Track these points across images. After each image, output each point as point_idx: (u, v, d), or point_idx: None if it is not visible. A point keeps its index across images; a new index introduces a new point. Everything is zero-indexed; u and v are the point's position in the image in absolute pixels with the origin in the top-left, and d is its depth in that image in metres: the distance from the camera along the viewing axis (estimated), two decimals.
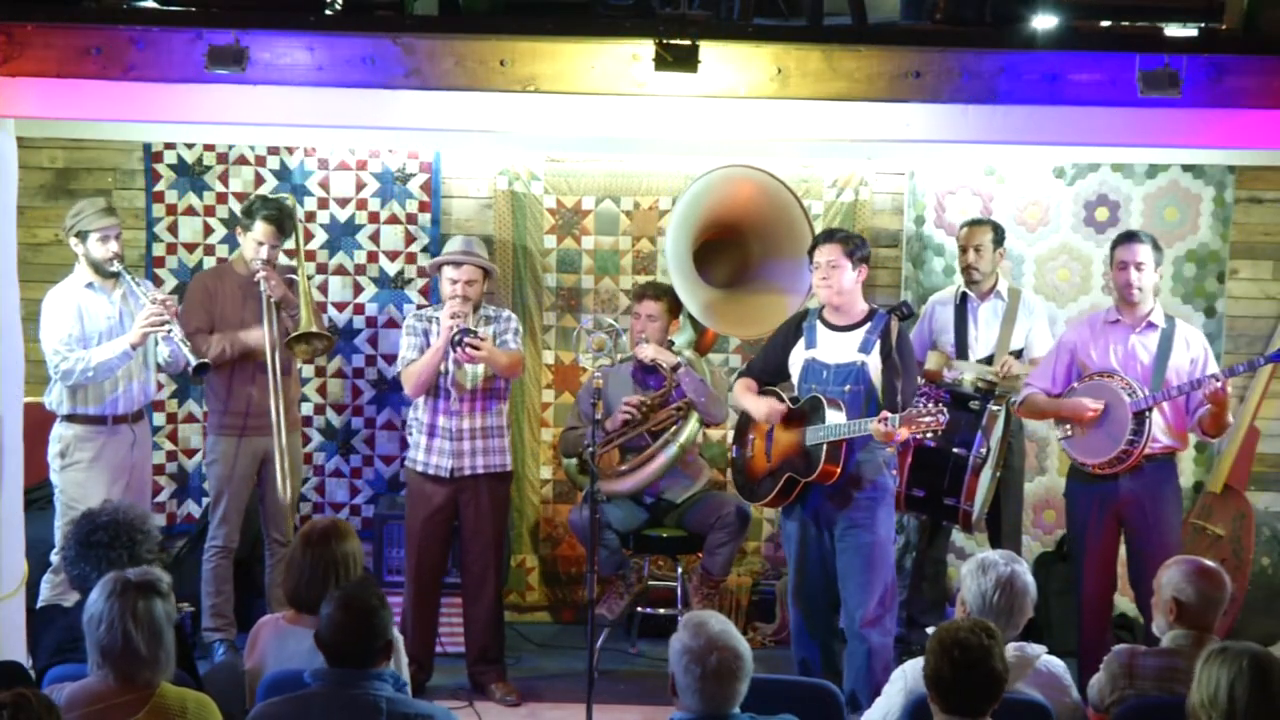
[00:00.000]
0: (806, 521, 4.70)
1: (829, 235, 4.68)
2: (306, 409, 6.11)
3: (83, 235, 5.02)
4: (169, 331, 4.97)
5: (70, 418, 5.03)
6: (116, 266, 5.05)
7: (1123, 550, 5.07)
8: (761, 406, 4.75)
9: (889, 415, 4.34)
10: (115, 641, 2.94)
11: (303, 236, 5.80)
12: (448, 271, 5.09)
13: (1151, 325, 4.90)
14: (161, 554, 3.70)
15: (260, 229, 5.22)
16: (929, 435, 4.32)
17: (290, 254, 5.56)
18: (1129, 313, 4.91)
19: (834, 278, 4.60)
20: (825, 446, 4.47)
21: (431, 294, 6.02)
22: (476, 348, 4.91)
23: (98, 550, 3.53)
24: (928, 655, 2.99)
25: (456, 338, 4.92)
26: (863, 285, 4.71)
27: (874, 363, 4.56)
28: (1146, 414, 4.75)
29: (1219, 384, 4.62)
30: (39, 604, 4.89)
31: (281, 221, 5.26)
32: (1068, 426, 4.93)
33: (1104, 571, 5.01)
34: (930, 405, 4.27)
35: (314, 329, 5.22)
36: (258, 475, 5.38)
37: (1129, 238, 4.90)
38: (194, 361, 4.94)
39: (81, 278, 5.10)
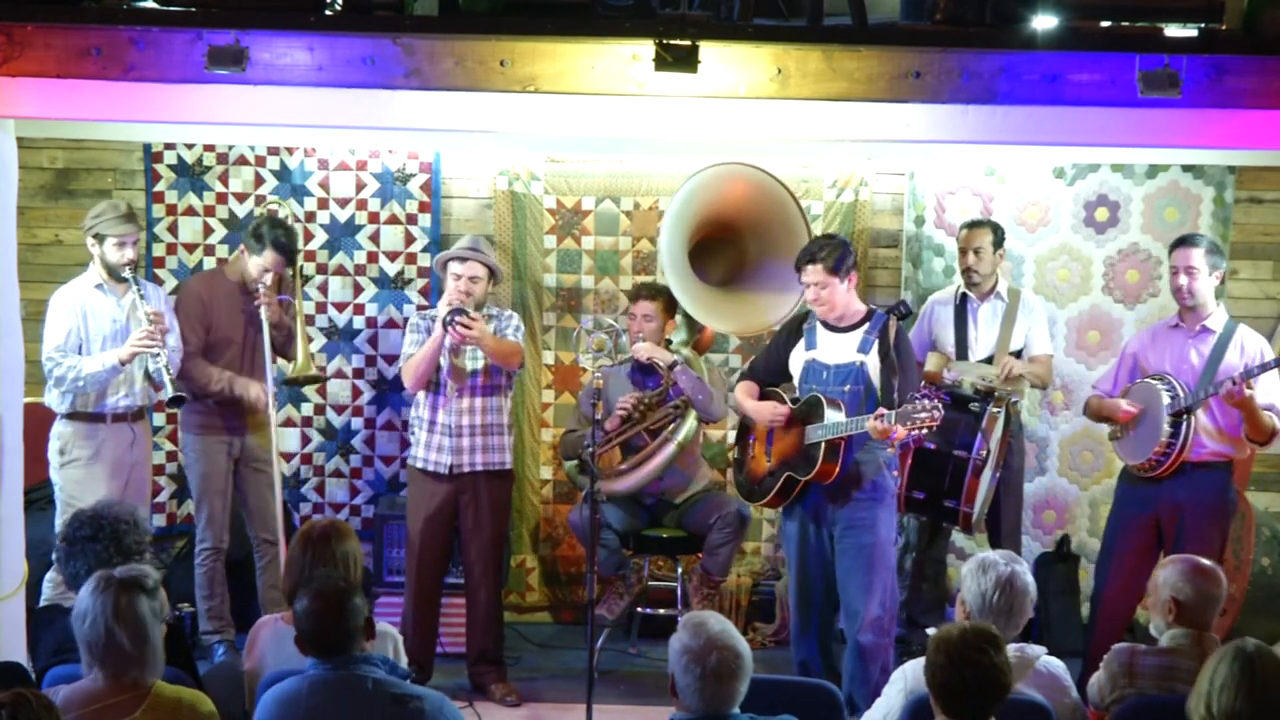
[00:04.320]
0: (806, 521, 4.69)
1: (810, 256, 4.60)
2: (306, 409, 6.12)
3: (100, 238, 5.04)
4: (156, 357, 4.98)
5: (70, 416, 5.03)
6: (128, 274, 5.05)
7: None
8: (763, 411, 4.75)
9: (885, 412, 4.34)
10: (99, 637, 2.95)
11: (301, 235, 5.83)
12: (453, 267, 5.08)
13: (1206, 330, 4.86)
14: (151, 544, 3.70)
15: (269, 256, 5.21)
16: (925, 430, 4.31)
17: (288, 285, 5.52)
18: (1187, 317, 4.91)
19: (824, 298, 4.60)
20: (824, 445, 4.48)
21: (431, 294, 6.03)
22: (468, 326, 4.89)
23: (83, 545, 3.54)
24: (928, 659, 2.99)
25: (447, 318, 4.92)
26: (863, 286, 4.72)
27: (873, 362, 4.56)
28: (1185, 416, 4.73)
29: (1235, 385, 4.60)
30: (41, 604, 4.88)
31: (291, 251, 5.27)
32: (1116, 427, 4.96)
33: (1129, 575, 4.91)
34: (926, 402, 4.26)
35: (311, 372, 5.31)
36: (234, 475, 5.39)
37: (1182, 242, 4.89)
38: (170, 394, 4.94)
39: (92, 278, 5.11)
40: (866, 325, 4.62)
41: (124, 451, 5.11)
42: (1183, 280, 4.83)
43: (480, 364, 5.12)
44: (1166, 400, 4.75)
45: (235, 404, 5.25)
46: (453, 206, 6.15)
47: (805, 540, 4.71)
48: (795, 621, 4.82)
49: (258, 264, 5.24)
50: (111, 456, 5.07)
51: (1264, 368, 4.77)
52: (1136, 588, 4.89)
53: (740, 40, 4.28)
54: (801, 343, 4.72)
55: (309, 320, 6.00)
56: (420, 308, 5.95)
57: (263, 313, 5.20)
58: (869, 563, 4.56)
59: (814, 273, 4.58)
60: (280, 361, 5.46)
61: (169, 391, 4.93)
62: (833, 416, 4.48)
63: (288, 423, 6.11)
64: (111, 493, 4.88)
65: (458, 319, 4.90)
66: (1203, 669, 2.93)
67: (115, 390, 5.06)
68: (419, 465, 5.17)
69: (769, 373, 4.84)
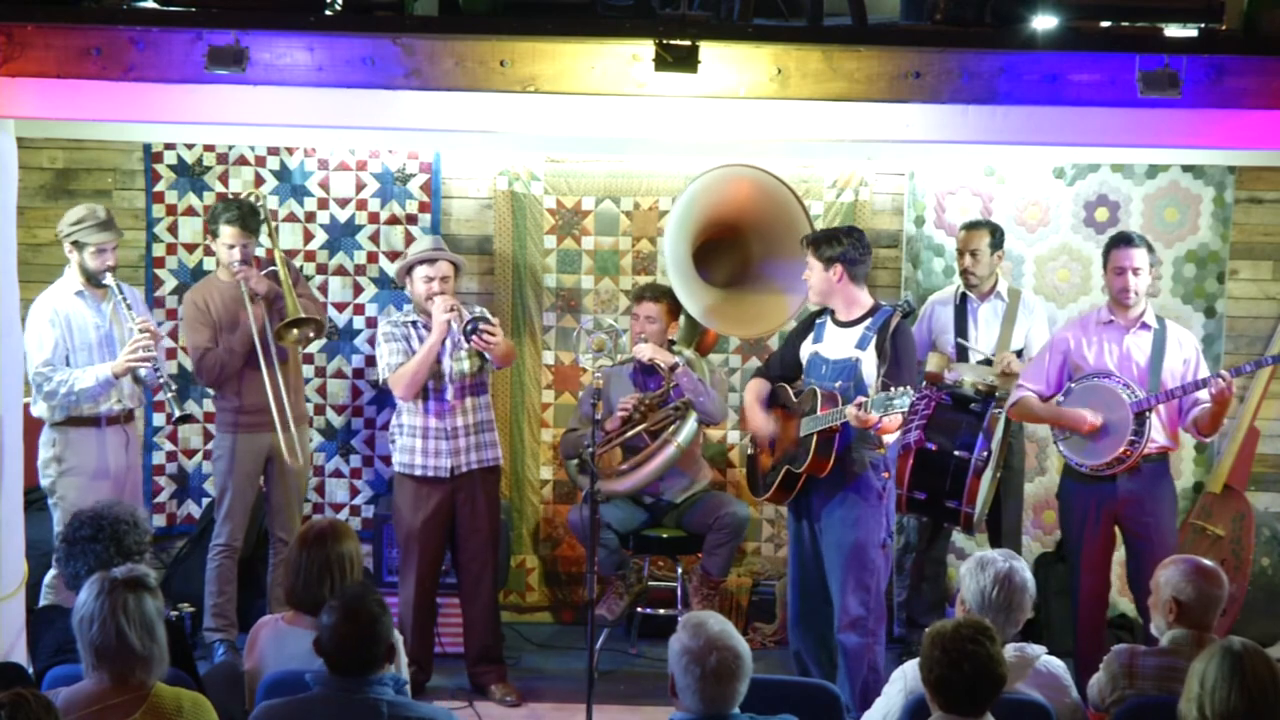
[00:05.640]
0: (803, 519, 4.72)
1: (805, 237, 4.77)
2: (306, 409, 6.10)
3: (80, 245, 4.99)
4: (156, 370, 4.98)
5: (65, 423, 4.98)
6: (109, 280, 5.02)
7: (1119, 551, 5.08)
8: (756, 421, 4.78)
9: (864, 399, 4.34)
10: (109, 639, 2.94)
11: (301, 234, 5.82)
12: (422, 270, 5.09)
13: (1145, 326, 4.92)
14: (151, 545, 3.71)
15: (226, 232, 5.21)
16: (898, 414, 4.29)
17: (269, 253, 5.51)
18: (1122, 314, 4.93)
19: (808, 278, 4.70)
20: (815, 438, 4.48)
21: None
22: (493, 333, 4.94)
23: (83, 545, 3.54)
24: (923, 654, 3.00)
25: (469, 327, 4.94)
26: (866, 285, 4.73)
27: (868, 358, 4.56)
28: (1147, 414, 4.76)
29: (1226, 383, 4.63)
30: (40, 605, 4.88)
31: (244, 220, 5.23)
32: (1063, 429, 4.95)
33: (1100, 572, 5.02)
34: (898, 389, 4.26)
35: (301, 315, 5.19)
36: (263, 473, 5.38)
37: (1124, 241, 4.90)
38: (177, 413, 4.97)
39: (71, 284, 5.06)
40: (868, 321, 4.63)
41: (119, 454, 5.10)
42: (1130, 280, 4.86)
43: (466, 364, 5.13)
44: (1128, 400, 4.76)
45: (260, 400, 5.20)
46: (453, 206, 6.15)
47: (800, 535, 4.74)
48: (789, 613, 4.86)
49: (223, 245, 5.24)
50: (110, 461, 5.05)
51: (1257, 364, 4.96)
52: (1106, 581, 5.07)
53: (740, 40, 4.28)
54: (811, 336, 4.74)
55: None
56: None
57: (243, 287, 5.17)
58: (847, 561, 4.57)
59: (807, 255, 4.69)
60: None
61: (175, 411, 4.97)
62: (825, 410, 4.50)
63: None
64: (108, 495, 4.86)
65: (481, 326, 4.93)
66: (1190, 672, 2.93)
67: (108, 397, 5.04)
68: (415, 472, 5.14)
69: (783, 367, 4.85)
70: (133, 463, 5.20)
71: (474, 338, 4.94)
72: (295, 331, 5.23)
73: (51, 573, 4.96)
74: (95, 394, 4.97)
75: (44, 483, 5.05)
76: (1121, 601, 5.69)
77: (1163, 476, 4.95)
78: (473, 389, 5.17)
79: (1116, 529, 4.99)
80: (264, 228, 5.40)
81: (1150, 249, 4.92)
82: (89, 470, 5.01)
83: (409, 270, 5.15)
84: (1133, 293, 4.86)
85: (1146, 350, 4.88)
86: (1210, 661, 2.89)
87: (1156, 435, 4.83)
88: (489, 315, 5.11)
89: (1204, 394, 4.76)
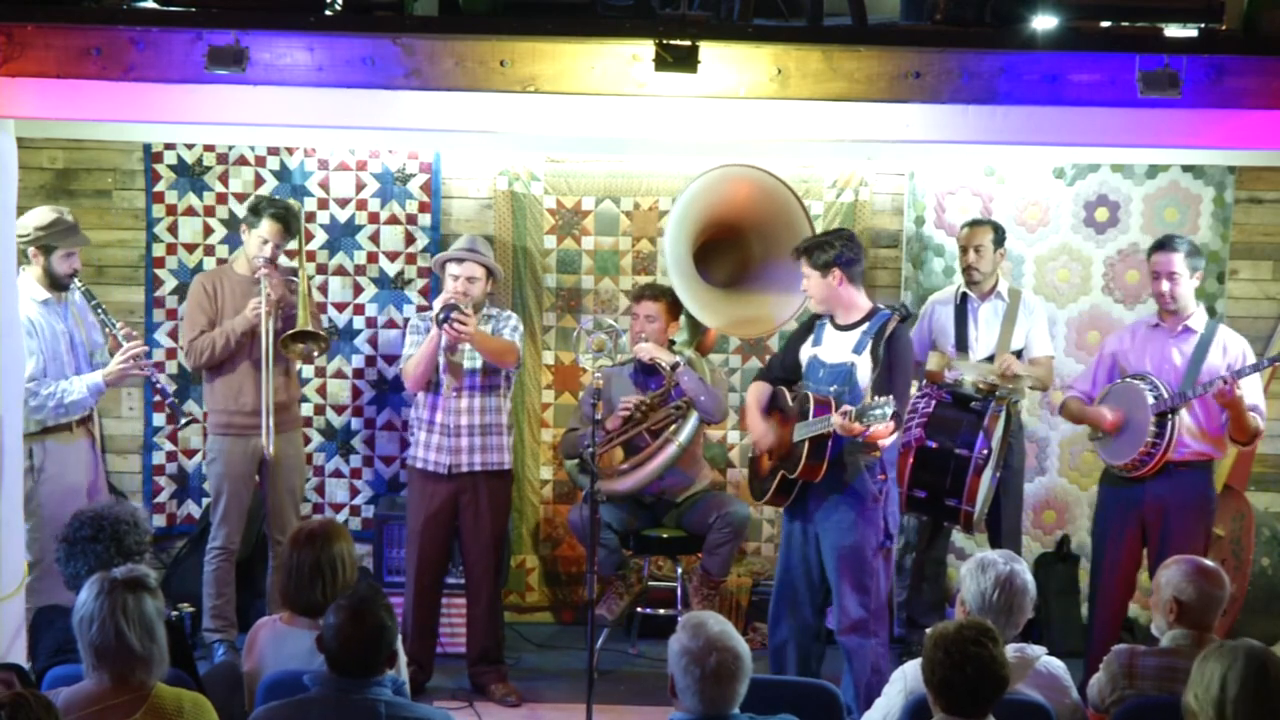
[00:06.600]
0: (796, 520, 4.71)
1: (797, 250, 4.71)
2: (306, 409, 6.10)
3: (48, 249, 4.92)
4: (154, 379, 4.98)
5: (42, 432, 4.89)
6: (77, 284, 4.97)
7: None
8: (757, 429, 4.77)
9: (849, 408, 4.33)
10: (108, 640, 2.93)
11: (304, 239, 5.84)
12: (450, 268, 5.09)
13: (1189, 330, 4.91)
14: (151, 545, 3.70)
15: (266, 226, 5.21)
16: (881, 424, 4.27)
17: (292, 254, 5.55)
18: (1168, 318, 4.94)
19: (808, 288, 4.67)
20: (806, 444, 4.48)
21: (431, 294, 6.01)
22: (463, 323, 4.89)
23: (83, 545, 3.54)
24: (926, 656, 2.99)
25: (441, 315, 4.91)
26: (864, 286, 4.72)
27: (863, 363, 4.55)
28: (1169, 416, 4.75)
29: (1226, 385, 4.62)
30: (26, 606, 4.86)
31: (288, 221, 5.25)
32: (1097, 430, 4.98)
33: (1123, 576, 5.01)
34: (881, 398, 4.26)
35: (309, 328, 5.20)
36: (259, 475, 5.38)
37: (1161, 246, 4.91)
38: (181, 421, 4.96)
39: (35, 292, 4.94)
40: (865, 325, 4.61)
41: (88, 455, 5.07)
42: (1165, 285, 4.87)
43: (478, 363, 5.12)
44: (1151, 400, 4.77)
45: (256, 403, 5.20)
46: (453, 206, 6.15)
47: (792, 538, 4.73)
48: (770, 613, 4.84)
49: (257, 236, 5.23)
50: (84, 466, 5.02)
51: (1255, 367, 4.86)
52: (1127, 586, 5.06)
53: (740, 40, 4.27)
54: (811, 338, 4.73)
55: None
56: (420, 309, 5.95)
57: (262, 285, 5.17)
58: (843, 564, 4.57)
59: (801, 264, 4.66)
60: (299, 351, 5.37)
61: (181, 418, 5.09)
62: (817, 415, 4.49)
63: None
64: (84, 501, 4.82)
65: (452, 315, 4.90)
66: (1204, 672, 2.90)
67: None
68: (418, 465, 5.18)
69: (784, 369, 4.83)
70: (97, 460, 5.17)
71: (444, 326, 4.92)
72: (300, 345, 5.24)
73: (29, 577, 4.93)
74: (87, 404, 4.94)
75: None
76: None
77: (1197, 485, 4.90)
78: (482, 389, 5.15)
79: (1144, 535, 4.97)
80: (299, 235, 5.43)
81: (1196, 252, 4.91)
82: (68, 477, 4.95)
83: (442, 267, 5.16)
84: (1169, 297, 4.87)
85: (1187, 353, 4.88)
86: (1232, 667, 2.85)
87: (1190, 440, 4.82)
88: (463, 307, 4.98)
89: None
